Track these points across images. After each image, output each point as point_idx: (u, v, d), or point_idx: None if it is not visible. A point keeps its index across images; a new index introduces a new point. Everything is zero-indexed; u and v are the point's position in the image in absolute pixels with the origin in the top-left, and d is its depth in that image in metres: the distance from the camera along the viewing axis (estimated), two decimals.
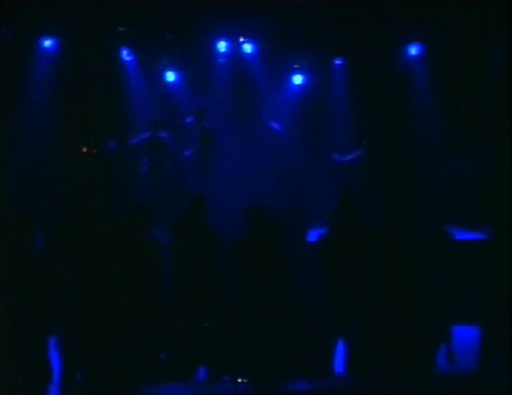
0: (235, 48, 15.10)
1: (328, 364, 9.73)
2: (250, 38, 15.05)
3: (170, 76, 15.25)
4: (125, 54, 15.01)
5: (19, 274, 9.19)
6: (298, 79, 15.23)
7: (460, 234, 10.33)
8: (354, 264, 9.69)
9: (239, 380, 9.46)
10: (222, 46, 15.07)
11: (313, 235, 12.74)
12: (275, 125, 14.98)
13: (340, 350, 9.87)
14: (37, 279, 9.25)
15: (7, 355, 9.11)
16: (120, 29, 14.72)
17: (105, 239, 9.60)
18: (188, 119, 14.99)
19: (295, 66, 15.19)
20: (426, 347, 9.61)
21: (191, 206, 9.90)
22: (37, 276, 9.27)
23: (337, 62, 15.24)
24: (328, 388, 9.09)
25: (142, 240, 9.55)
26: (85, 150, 14.91)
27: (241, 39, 15.09)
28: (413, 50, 14.93)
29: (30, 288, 9.18)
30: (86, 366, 9.47)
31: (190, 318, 9.62)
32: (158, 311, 9.49)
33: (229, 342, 9.56)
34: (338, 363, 9.84)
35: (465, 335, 9.93)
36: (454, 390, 8.86)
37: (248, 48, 15.12)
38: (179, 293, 9.73)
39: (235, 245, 9.79)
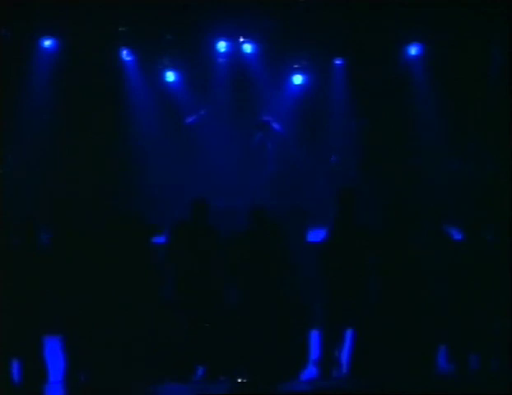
0: (235, 48, 15.09)
1: (328, 364, 9.72)
2: (250, 38, 15.03)
3: (170, 76, 15.23)
4: (125, 54, 15.00)
5: (17, 274, 9.21)
6: (298, 79, 15.22)
7: (460, 234, 10.32)
8: (354, 265, 9.69)
9: (239, 380, 9.46)
10: (222, 46, 15.05)
11: (313, 235, 12.77)
12: (275, 125, 14.97)
13: (340, 350, 9.87)
14: (36, 279, 9.26)
15: (5, 355, 9.13)
16: (120, 29, 14.71)
17: (105, 240, 9.61)
18: (190, 119, 15.01)
19: (295, 66, 15.17)
20: (426, 347, 9.61)
21: (193, 209, 9.91)
22: (36, 276, 9.28)
23: (337, 62, 15.23)
24: (328, 388, 9.10)
25: (140, 242, 9.56)
26: (85, 150, 14.90)
27: (241, 39, 15.07)
28: (413, 50, 14.91)
29: (28, 288, 9.19)
30: (88, 367, 9.49)
31: (190, 318, 9.62)
32: (158, 311, 9.50)
33: (228, 342, 9.56)
34: (338, 363, 9.84)
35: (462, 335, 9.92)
36: (454, 390, 8.88)
37: (248, 48, 15.10)
38: (179, 294, 9.72)
39: (236, 245, 9.80)
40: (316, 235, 12.29)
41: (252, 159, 14.70)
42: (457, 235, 10.32)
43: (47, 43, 14.67)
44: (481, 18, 13.88)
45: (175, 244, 9.85)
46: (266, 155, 14.61)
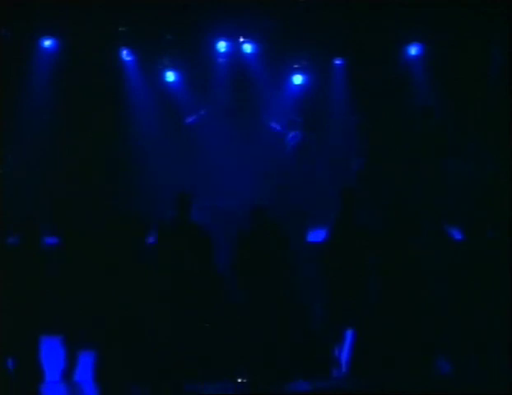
0: (235, 48, 15.09)
1: (328, 364, 9.72)
2: (250, 38, 15.03)
3: (170, 76, 15.23)
4: (125, 54, 14.99)
5: (17, 274, 9.22)
6: (298, 79, 15.22)
7: (460, 234, 10.33)
8: (354, 264, 9.70)
9: (239, 380, 9.47)
10: (222, 46, 15.05)
11: (313, 235, 12.78)
12: (275, 125, 14.98)
13: (340, 350, 9.88)
14: (36, 279, 9.27)
15: (3, 355, 9.14)
16: (120, 29, 14.71)
17: (105, 240, 9.61)
18: (190, 119, 15.02)
19: (295, 66, 15.17)
20: (426, 347, 9.62)
21: (176, 205, 9.92)
22: (36, 275, 9.29)
23: (337, 62, 15.23)
24: (328, 389, 9.10)
25: (140, 242, 9.57)
26: (85, 150, 14.90)
27: (241, 39, 15.07)
28: (413, 50, 14.91)
29: (28, 288, 9.20)
30: (87, 366, 9.50)
31: (190, 317, 9.62)
32: (158, 311, 9.50)
33: (228, 342, 9.57)
34: (338, 363, 9.84)
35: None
36: (454, 390, 8.87)
37: (248, 48, 15.09)
38: (172, 293, 9.70)
39: (237, 246, 9.81)
40: (316, 235, 12.30)
41: (252, 159, 14.71)
42: (457, 235, 10.33)
43: (47, 43, 14.66)
44: (481, 18, 13.88)
45: (161, 242, 9.84)
46: (266, 155, 14.62)
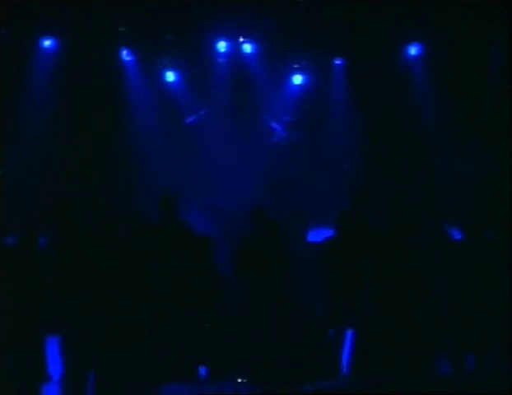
0: (235, 48, 15.11)
1: (328, 364, 9.72)
2: (250, 38, 15.04)
3: (170, 76, 15.25)
4: (125, 54, 15.00)
5: (17, 274, 9.22)
6: (298, 79, 15.23)
7: (460, 234, 10.33)
8: (354, 264, 9.70)
9: (239, 380, 9.47)
10: (222, 46, 15.06)
11: (313, 235, 12.79)
12: (275, 125, 14.98)
13: (341, 350, 9.88)
14: (36, 279, 9.28)
15: (5, 355, 9.14)
16: (120, 29, 14.72)
17: (105, 240, 9.62)
18: (190, 119, 15.02)
19: (295, 66, 15.18)
20: (426, 347, 9.62)
21: (161, 206, 9.91)
22: (36, 276, 9.29)
23: (337, 62, 15.24)
24: (329, 389, 9.10)
25: (140, 242, 9.57)
26: (85, 150, 14.90)
27: (241, 39, 15.08)
28: (413, 50, 14.92)
29: (28, 288, 9.20)
30: (87, 367, 9.50)
31: (190, 317, 9.62)
32: (157, 311, 9.50)
33: (229, 342, 9.57)
34: (339, 363, 9.84)
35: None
36: (454, 390, 8.88)
37: (248, 48, 15.11)
38: (171, 293, 9.70)
39: (237, 246, 9.81)
40: (316, 235, 12.30)
41: (251, 159, 14.72)
42: (457, 235, 10.33)
43: (47, 43, 14.66)
44: (481, 18, 13.89)
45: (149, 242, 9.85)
46: (266, 155, 14.64)
